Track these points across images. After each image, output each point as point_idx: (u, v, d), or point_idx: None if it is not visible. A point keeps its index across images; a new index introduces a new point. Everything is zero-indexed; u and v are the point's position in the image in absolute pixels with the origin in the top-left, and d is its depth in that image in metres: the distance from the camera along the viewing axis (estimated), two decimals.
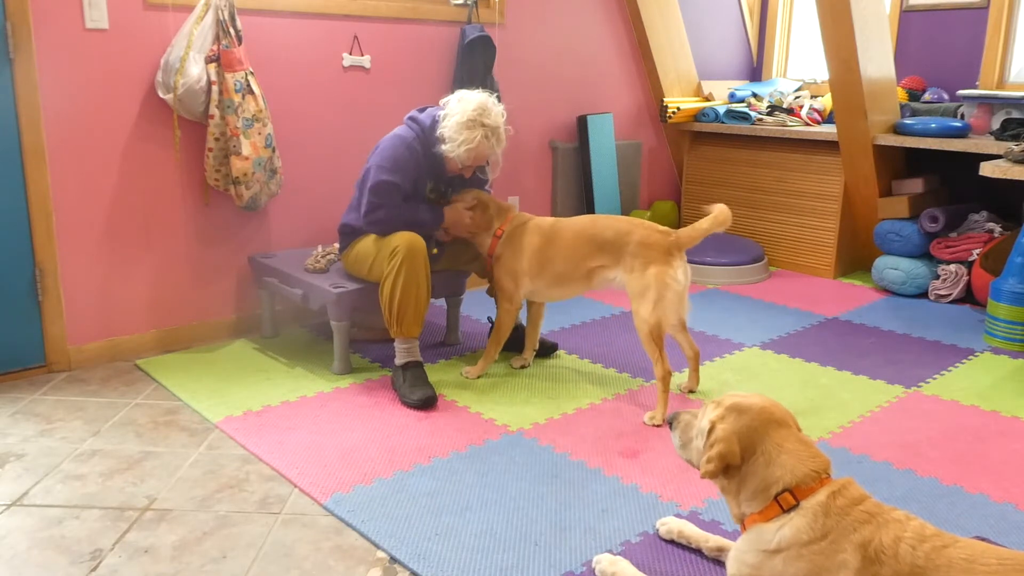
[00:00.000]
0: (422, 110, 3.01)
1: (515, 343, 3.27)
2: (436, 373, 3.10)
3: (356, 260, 3.04)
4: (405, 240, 2.82)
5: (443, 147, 2.85)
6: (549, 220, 3.04)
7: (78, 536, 2.04)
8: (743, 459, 1.63)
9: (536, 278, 3.00)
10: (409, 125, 2.98)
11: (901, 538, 1.48)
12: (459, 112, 2.83)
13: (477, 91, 2.94)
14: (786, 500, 1.58)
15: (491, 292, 3.30)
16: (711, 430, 1.67)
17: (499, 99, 2.98)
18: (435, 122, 2.91)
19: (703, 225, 2.79)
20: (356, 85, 3.69)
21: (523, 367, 3.17)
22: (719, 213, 2.78)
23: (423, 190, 3.01)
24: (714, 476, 1.65)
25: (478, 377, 3.07)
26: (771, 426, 1.64)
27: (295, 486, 2.29)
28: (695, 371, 2.98)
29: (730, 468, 1.64)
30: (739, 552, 1.64)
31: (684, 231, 2.82)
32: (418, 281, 2.82)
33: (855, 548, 1.49)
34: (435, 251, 3.06)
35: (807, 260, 4.66)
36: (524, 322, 3.27)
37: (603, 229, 2.89)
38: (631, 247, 2.82)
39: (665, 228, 2.85)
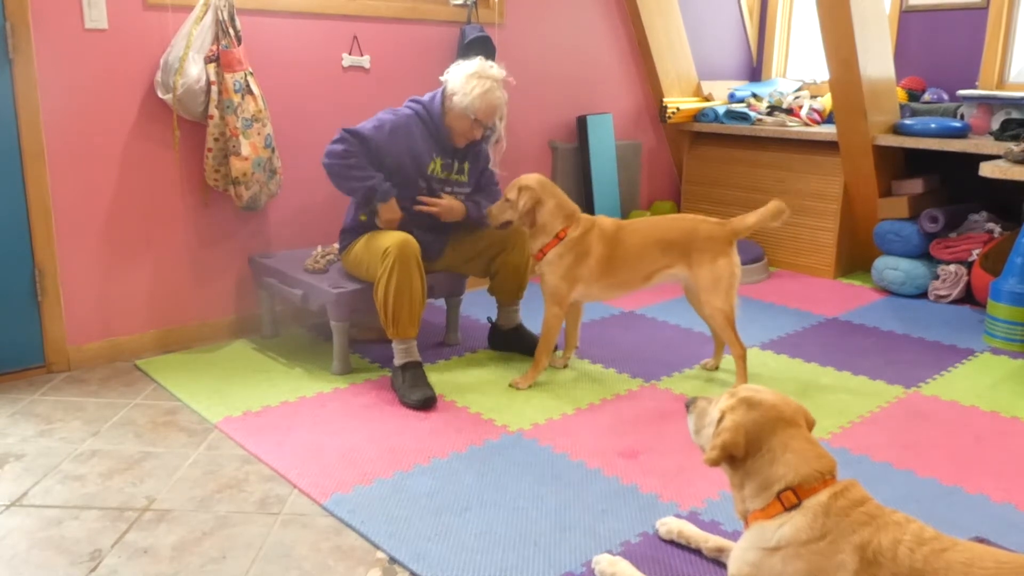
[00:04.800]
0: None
1: (517, 343, 3.28)
2: (436, 373, 3.10)
3: (354, 260, 3.06)
4: (396, 240, 2.82)
5: (455, 99, 2.96)
6: (610, 224, 3.00)
7: (77, 536, 2.04)
8: (748, 453, 1.64)
9: (595, 283, 3.00)
10: (408, 104, 3.07)
11: (900, 541, 1.48)
12: (462, 68, 3.00)
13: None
14: (788, 498, 1.58)
15: (492, 291, 3.30)
16: (720, 419, 1.69)
17: None
18: (434, 97, 3.03)
19: (750, 220, 2.93)
20: (356, 85, 3.69)
21: (564, 366, 3.19)
22: (770, 209, 2.92)
23: (410, 171, 3.00)
24: (715, 463, 1.66)
25: (528, 387, 3.00)
26: (780, 424, 1.64)
27: (295, 486, 2.29)
28: (721, 350, 3.24)
29: (734, 460, 1.65)
30: (740, 550, 1.64)
31: (736, 222, 2.96)
32: (411, 281, 2.82)
33: (854, 549, 1.50)
34: (363, 218, 3.04)
35: (807, 260, 4.66)
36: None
37: (667, 231, 2.96)
38: (698, 242, 2.92)
39: (718, 219, 2.98)
